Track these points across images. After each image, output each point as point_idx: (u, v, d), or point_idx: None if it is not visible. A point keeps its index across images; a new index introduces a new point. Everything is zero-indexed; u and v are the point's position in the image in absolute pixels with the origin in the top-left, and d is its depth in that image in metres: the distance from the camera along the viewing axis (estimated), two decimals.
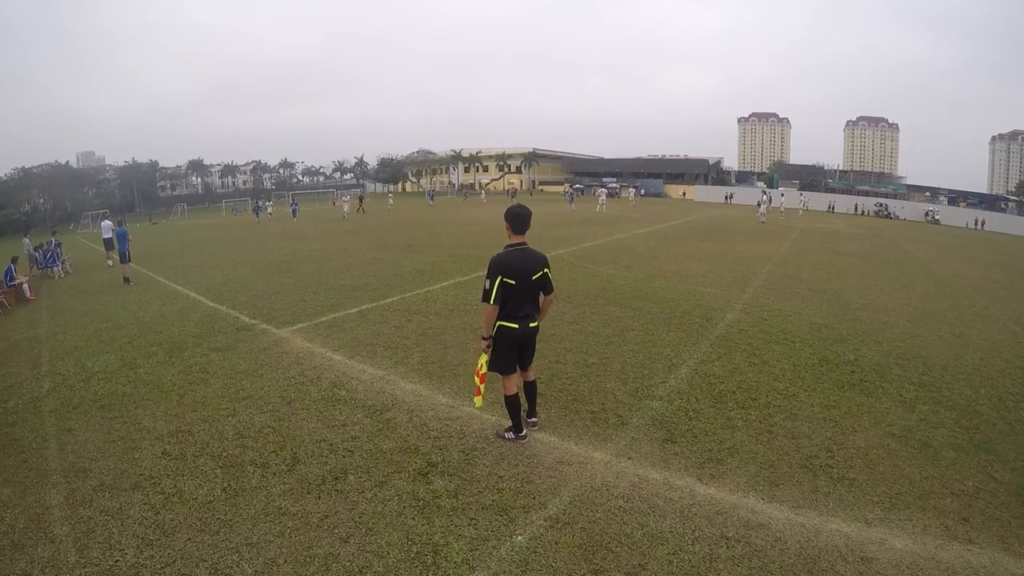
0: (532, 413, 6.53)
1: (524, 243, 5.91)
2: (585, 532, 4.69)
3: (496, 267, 5.68)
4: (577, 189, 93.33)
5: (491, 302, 5.65)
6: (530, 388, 6.43)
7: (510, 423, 6.25)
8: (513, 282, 5.67)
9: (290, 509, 5.02)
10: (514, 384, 6.04)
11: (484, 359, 5.97)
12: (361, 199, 61.39)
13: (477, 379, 6.02)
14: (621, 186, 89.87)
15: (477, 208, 54.36)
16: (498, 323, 5.80)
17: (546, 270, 5.96)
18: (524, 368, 6.21)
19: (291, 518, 4.89)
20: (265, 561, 4.35)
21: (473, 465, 5.73)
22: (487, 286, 5.67)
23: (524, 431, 6.25)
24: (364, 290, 14.16)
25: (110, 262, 22.23)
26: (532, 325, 5.97)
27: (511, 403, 6.10)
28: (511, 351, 5.93)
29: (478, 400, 6.15)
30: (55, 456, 6.17)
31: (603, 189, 56.96)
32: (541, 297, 6.05)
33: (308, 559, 4.37)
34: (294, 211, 50.68)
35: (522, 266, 5.76)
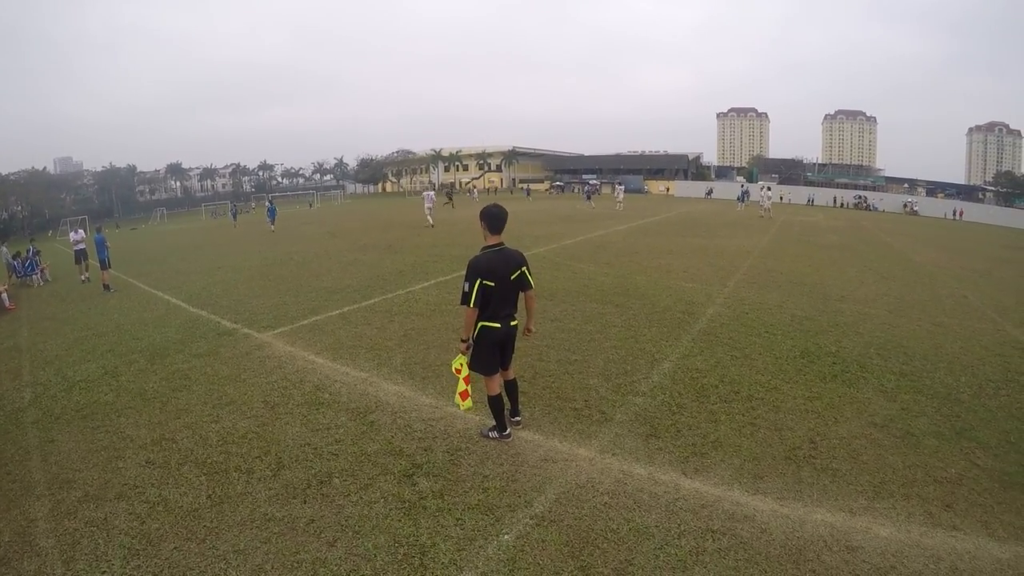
0: (515, 412, 6.50)
1: (501, 243, 5.86)
2: (571, 529, 4.70)
3: (474, 270, 5.64)
4: (558, 186, 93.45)
5: (471, 305, 5.63)
6: (511, 387, 6.39)
7: (494, 423, 6.25)
8: (492, 284, 5.61)
9: (276, 515, 4.99)
10: (497, 384, 6.01)
11: (463, 360, 5.91)
12: (451, 195, 58.46)
13: (462, 381, 5.95)
14: (603, 183, 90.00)
15: (461, 208, 54.19)
16: (480, 324, 5.76)
17: (524, 269, 5.91)
18: (505, 367, 6.16)
19: (277, 524, 4.87)
20: (252, 568, 4.33)
21: (458, 465, 5.73)
22: (466, 288, 5.63)
23: (508, 430, 6.24)
24: (345, 292, 14.11)
25: (82, 277, 19.95)
26: (513, 324, 5.95)
27: (495, 403, 6.07)
28: (493, 351, 5.90)
29: (467, 403, 6.09)
30: (38, 468, 6.10)
31: (621, 186, 55.64)
32: (521, 296, 6.03)
33: (295, 564, 4.35)
34: (271, 214, 39.22)
35: (500, 267, 5.71)
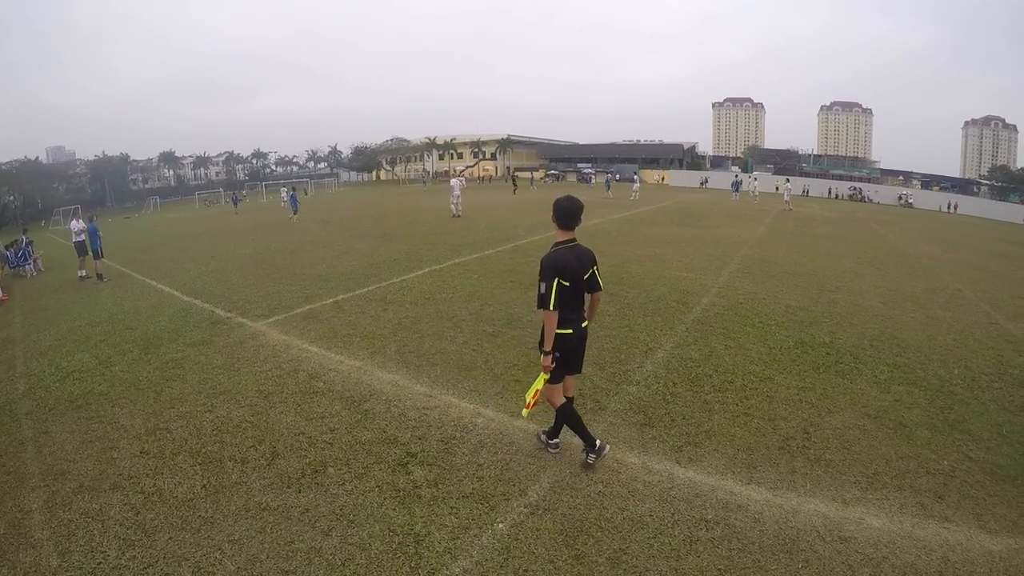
0: (555, 434, 5.86)
1: (574, 239, 5.27)
2: (565, 518, 4.72)
3: (552, 268, 5.02)
4: (553, 175, 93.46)
5: (551, 307, 4.98)
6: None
7: (550, 434, 5.86)
8: (568, 284, 5.04)
9: (271, 504, 5.00)
10: (562, 393, 5.48)
11: (543, 379, 5.30)
12: (515, 179, 56.96)
13: (530, 398, 5.41)
14: (597, 171, 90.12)
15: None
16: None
17: (595, 268, 5.34)
18: (573, 372, 5.57)
19: (272, 513, 4.88)
20: (247, 558, 4.34)
21: (452, 454, 5.75)
22: (543, 289, 5.00)
23: (597, 442, 5.54)
24: (339, 280, 14.10)
25: (82, 272, 17.97)
26: (585, 326, 5.39)
27: (566, 414, 5.49)
28: (561, 360, 5.27)
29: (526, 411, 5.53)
30: (33, 459, 6.08)
31: (637, 176, 55.13)
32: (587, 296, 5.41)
33: (290, 554, 4.36)
34: (293, 201, 35.91)
35: (575, 266, 5.12)
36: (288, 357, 8.68)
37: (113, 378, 8.26)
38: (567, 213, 5.22)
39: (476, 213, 32.05)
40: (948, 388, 7.54)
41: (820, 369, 8.05)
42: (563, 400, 5.46)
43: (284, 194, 51.17)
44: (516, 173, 67.80)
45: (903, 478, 5.39)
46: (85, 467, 5.81)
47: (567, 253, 5.16)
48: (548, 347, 5.12)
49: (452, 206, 30.54)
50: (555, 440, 5.82)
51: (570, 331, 5.20)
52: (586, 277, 5.21)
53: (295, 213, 34.58)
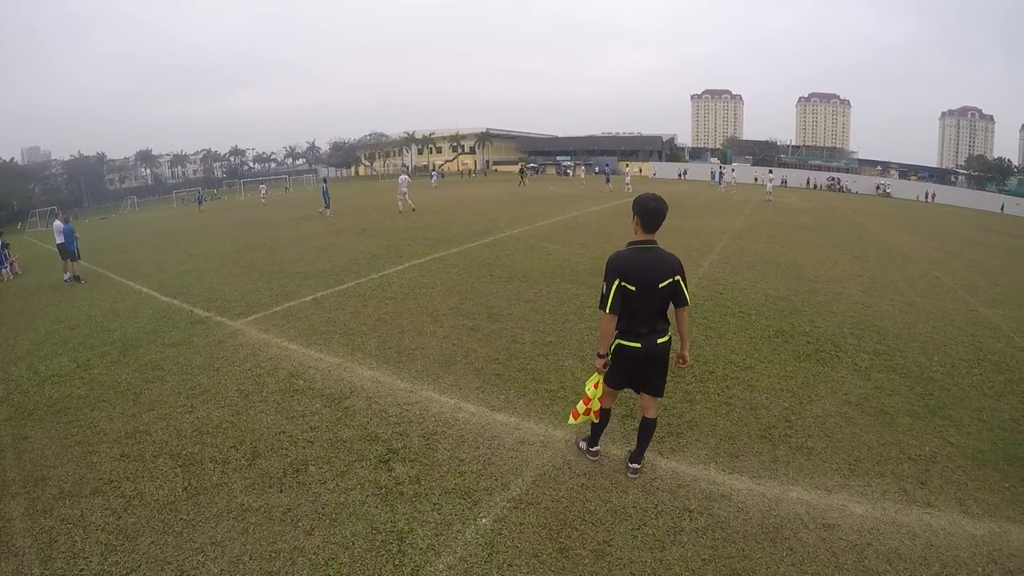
0: (637, 457, 5.29)
1: (653, 242, 4.86)
2: (549, 511, 4.72)
3: (613, 268, 4.69)
4: (532, 168, 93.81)
5: (607, 309, 4.65)
6: (646, 427, 5.19)
7: (589, 437, 5.55)
8: (632, 288, 4.64)
9: (252, 505, 4.96)
10: (612, 400, 5.30)
11: (597, 380, 5.08)
12: (523, 172, 57.53)
13: (583, 406, 5.19)
14: (576, 164, 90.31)
15: (433, 190, 53.86)
16: (616, 341, 4.84)
17: (678, 277, 4.80)
18: (648, 392, 5.10)
19: (254, 514, 4.83)
20: (230, 559, 4.30)
21: (434, 450, 5.73)
22: (604, 289, 4.69)
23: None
24: (318, 277, 14.00)
25: (67, 274, 17.21)
26: (660, 342, 4.85)
27: (600, 415, 5.26)
28: (624, 372, 4.98)
29: (585, 418, 5.26)
30: (12, 466, 5.97)
31: (627, 169, 55.56)
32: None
33: (273, 554, 4.33)
34: (324, 196, 32.31)
35: (644, 269, 4.69)
36: (268, 356, 8.61)
37: (92, 381, 8.16)
38: (653, 215, 4.85)
39: (456, 207, 32.01)
40: (928, 375, 7.62)
41: (801, 358, 8.10)
42: (610, 407, 5.30)
43: (263, 191, 52.60)
44: (522, 167, 69.05)
45: (885, 464, 5.44)
46: (65, 472, 5.73)
47: (636, 254, 4.78)
48: (603, 351, 4.86)
49: (399, 202, 30.25)
50: (636, 464, 5.28)
51: (637, 345, 4.79)
52: (662, 286, 4.72)
53: (328, 207, 31.74)
